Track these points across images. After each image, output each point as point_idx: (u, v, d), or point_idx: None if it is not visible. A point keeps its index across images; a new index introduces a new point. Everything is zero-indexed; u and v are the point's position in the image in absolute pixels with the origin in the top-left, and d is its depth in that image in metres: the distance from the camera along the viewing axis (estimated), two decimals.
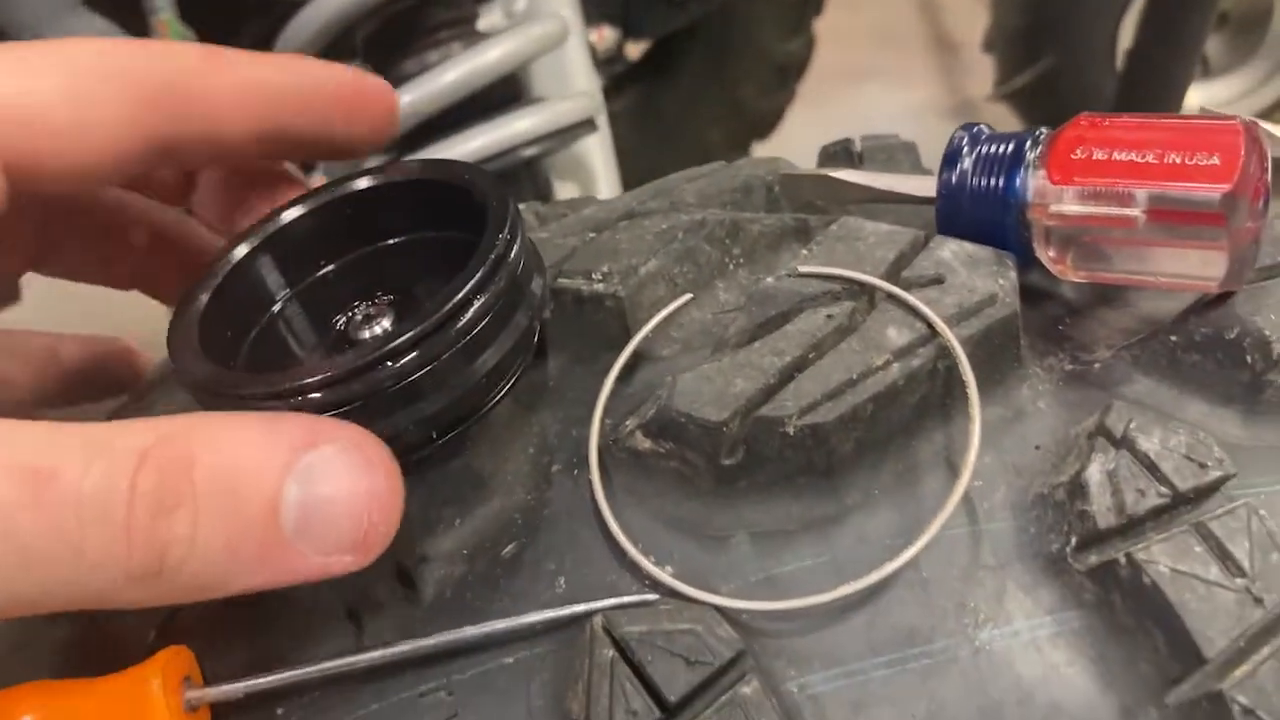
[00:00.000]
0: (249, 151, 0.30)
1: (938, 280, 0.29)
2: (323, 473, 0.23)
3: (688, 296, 0.31)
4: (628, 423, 0.28)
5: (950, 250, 0.30)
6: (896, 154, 0.40)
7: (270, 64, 0.30)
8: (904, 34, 2.41)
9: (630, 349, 0.29)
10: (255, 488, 0.22)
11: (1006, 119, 1.96)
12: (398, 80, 0.55)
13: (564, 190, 0.70)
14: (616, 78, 1.31)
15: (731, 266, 0.33)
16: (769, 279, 0.30)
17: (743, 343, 0.28)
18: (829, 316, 0.28)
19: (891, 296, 0.29)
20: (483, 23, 0.61)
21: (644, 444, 0.27)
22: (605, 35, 1.05)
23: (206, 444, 0.22)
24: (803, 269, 0.29)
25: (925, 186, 0.32)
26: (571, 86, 0.67)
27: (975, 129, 0.32)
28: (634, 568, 0.26)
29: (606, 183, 0.71)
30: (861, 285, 0.29)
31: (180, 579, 0.22)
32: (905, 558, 0.25)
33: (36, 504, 0.20)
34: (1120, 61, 1.74)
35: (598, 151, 0.69)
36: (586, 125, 0.59)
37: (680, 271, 0.31)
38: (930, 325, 0.28)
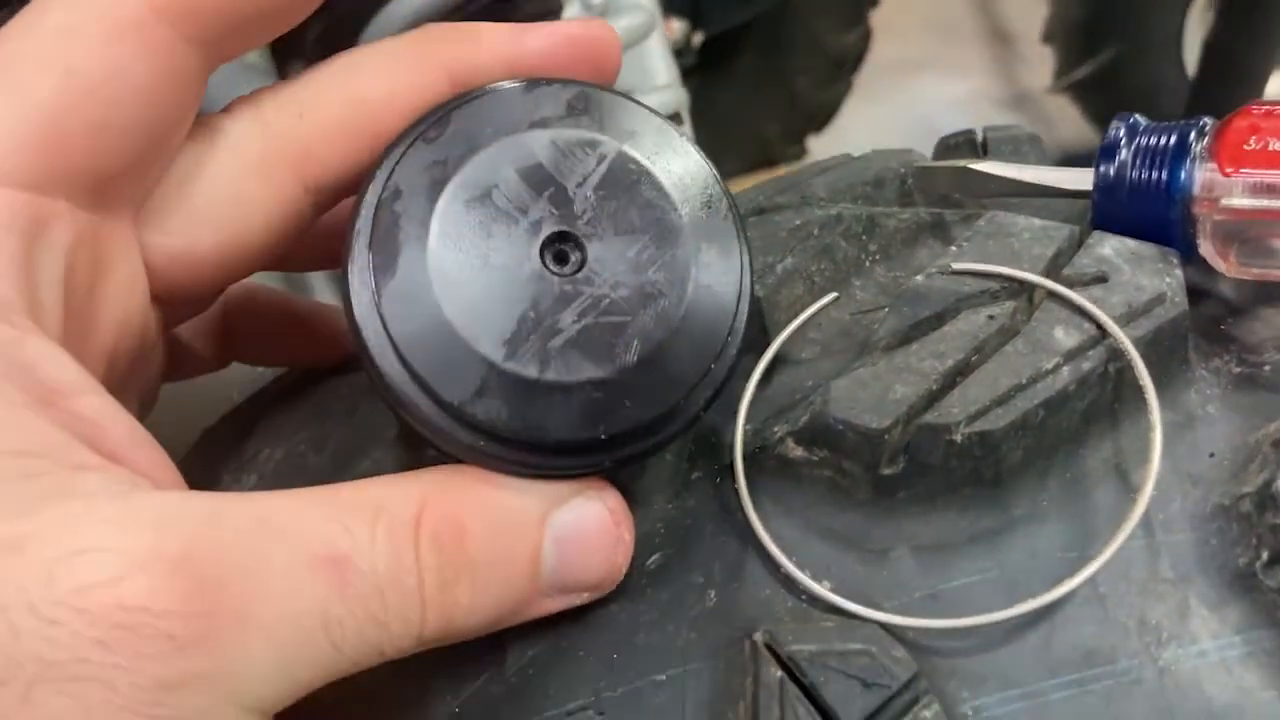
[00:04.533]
0: None
1: (1101, 278, 0.27)
2: (575, 525, 0.24)
3: (832, 296, 0.29)
4: (776, 429, 0.26)
5: (1111, 247, 0.28)
6: (1022, 145, 0.38)
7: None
8: (958, 25, 2.38)
9: (772, 351, 0.28)
10: (520, 549, 0.23)
11: (1066, 111, 1.93)
12: None
13: None
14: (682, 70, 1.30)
15: (868, 263, 0.31)
16: (918, 277, 0.28)
17: (894, 345, 0.27)
18: (990, 317, 0.27)
19: (1054, 295, 0.27)
20: (564, 16, 0.60)
21: (795, 452, 0.26)
22: (674, 28, 1.04)
23: (473, 511, 0.23)
24: (956, 266, 0.28)
25: (1076, 179, 0.31)
26: (654, 80, 0.65)
27: (1131, 120, 0.30)
28: (789, 582, 0.25)
29: None
30: (1021, 284, 0.27)
31: (455, 635, 0.23)
32: (1086, 574, 0.24)
33: (343, 593, 0.21)
34: (1186, 52, 1.71)
35: None
36: (673, 119, 0.57)
37: (818, 269, 0.30)
38: (1100, 326, 0.26)
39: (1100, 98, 1.79)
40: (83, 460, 0.21)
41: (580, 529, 0.24)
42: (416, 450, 0.29)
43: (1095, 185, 0.30)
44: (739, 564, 0.26)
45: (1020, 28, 2.33)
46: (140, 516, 0.20)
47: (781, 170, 1.86)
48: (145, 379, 0.28)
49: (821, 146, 1.84)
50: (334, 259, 0.31)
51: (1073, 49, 1.78)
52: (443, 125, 0.25)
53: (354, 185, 0.27)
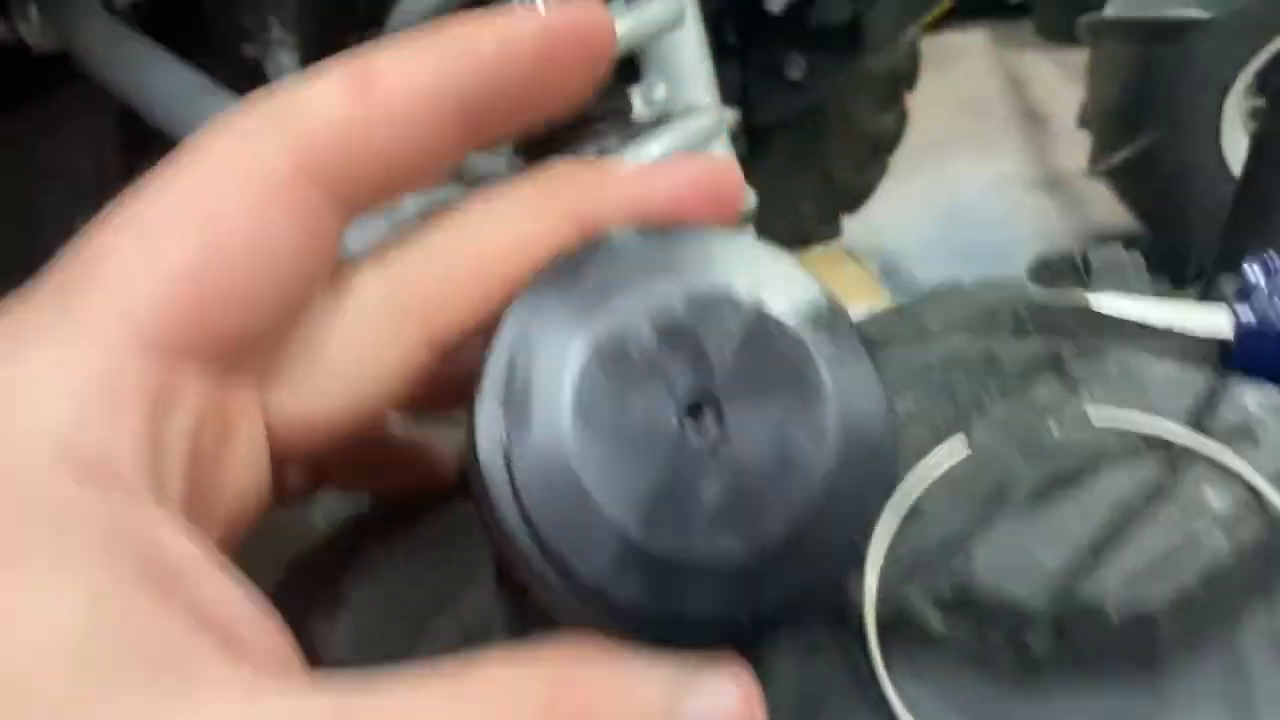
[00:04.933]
0: None
1: (1248, 435, 0.26)
2: (707, 709, 0.22)
3: (964, 450, 0.28)
4: (912, 595, 0.25)
5: (1254, 399, 0.27)
6: (1126, 271, 0.37)
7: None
8: (991, 106, 2.40)
9: (904, 507, 0.27)
10: None
11: (1100, 193, 1.93)
12: None
13: None
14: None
15: (987, 403, 0.30)
16: (1052, 428, 0.27)
17: (1030, 501, 0.26)
18: (1135, 476, 0.25)
19: (1199, 454, 0.26)
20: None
21: (935, 621, 0.25)
22: (726, 118, 1.04)
23: (603, 702, 0.21)
24: (1093, 418, 0.27)
25: (1207, 319, 0.30)
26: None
27: (1268, 258, 0.29)
28: None
29: None
30: (1163, 440, 0.26)
31: None
32: None
33: None
34: (1224, 136, 1.71)
35: None
36: (742, 219, 0.57)
37: (939, 411, 0.29)
38: (1253, 490, 0.25)
39: (1137, 183, 1.79)
40: (203, 655, 0.20)
41: (713, 707, 0.22)
42: (520, 597, 0.28)
43: (1236, 331, 0.28)
44: None
45: (1053, 110, 2.34)
46: None
47: (818, 250, 1.86)
48: (250, 527, 0.27)
49: (855, 226, 1.84)
50: (445, 403, 0.31)
51: (1109, 133, 1.79)
52: (577, 275, 0.23)
53: (475, 335, 0.26)
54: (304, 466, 0.31)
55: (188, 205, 0.22)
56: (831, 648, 0.26)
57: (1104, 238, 2.00)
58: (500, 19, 0.24)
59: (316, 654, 0.29)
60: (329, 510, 0.36)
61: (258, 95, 0.23)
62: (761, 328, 0.24)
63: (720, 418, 0.23)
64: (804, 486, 0.22)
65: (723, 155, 0.26)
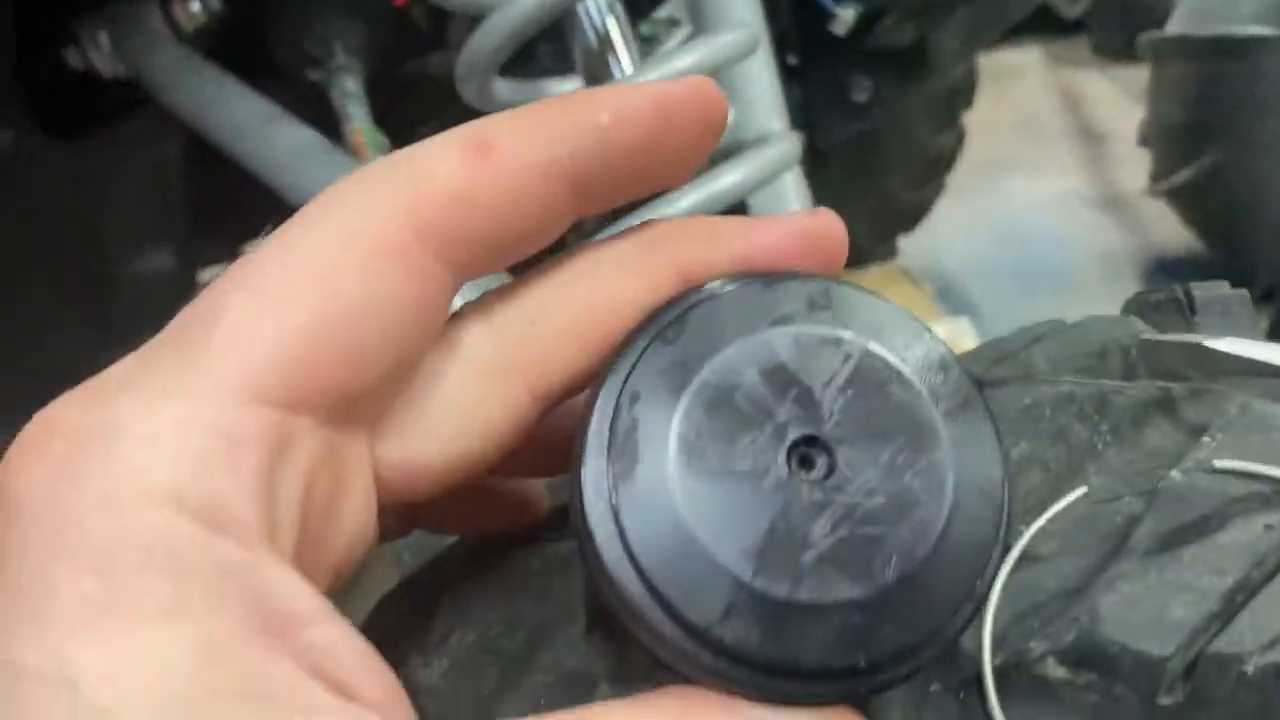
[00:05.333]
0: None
1: None
2: None
3: (1081, 491, 0.27)
4: (1032, 645, 0.24)
5: None
6: (1232, 307, 0.36)
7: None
8: (1048, 125, 2.37)
9: (1017, 551, 0.26)
10: None
11: (1160, 213, 1.90)
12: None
13: None
14: None
15: (1100, 446, 0.29)
16: (1174, 474, 0.26)
17: (1154, 549, 0.25)
18: (1268, 526, 0.24)
19: None
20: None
21: (1056, 672, 0.24)
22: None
23: None
24: (1219, 464, 0.26)
25: None
26: (786, 206, 0.64)
27: None
28: None
29: None
30: None
31: None
32: None
33: None
34: None
35: None
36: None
37: (1053, 455, 0.28)
38: None
39: (1200, 203, 1.76)
40: (316, 702, 0.20)
41: None
42: (624, 647, 0.27)
43: None
44: None
45: (1110, 128, 2.31)
46: None
47: (874, 269, 1.84)
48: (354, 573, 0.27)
49: (911, 246, 1.83)
50: (550, 468, 0.30)
51: (1171, 152, 1.76)
52: (680, 325, 0.23)
53: (580, 386, 0.25)
54: (396, 516, 0.31)
55: (307, 267, 0.22)
56: (946, 698, 0.25)
57: (1164, 259, 1.97)
58: (616, 90, 0.25)
59: (410, 691, 0.29)
60: (414, 544, 0.36)
61: (378, 161, 0.24)
62: (870, 372, 0.23)
63: (831, 461, 0.22)
64: (918, 532, 0.22)
65: (826, 212, 0.25)
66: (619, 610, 0.22)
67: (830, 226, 0.26)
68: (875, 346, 0.23)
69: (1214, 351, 0.30)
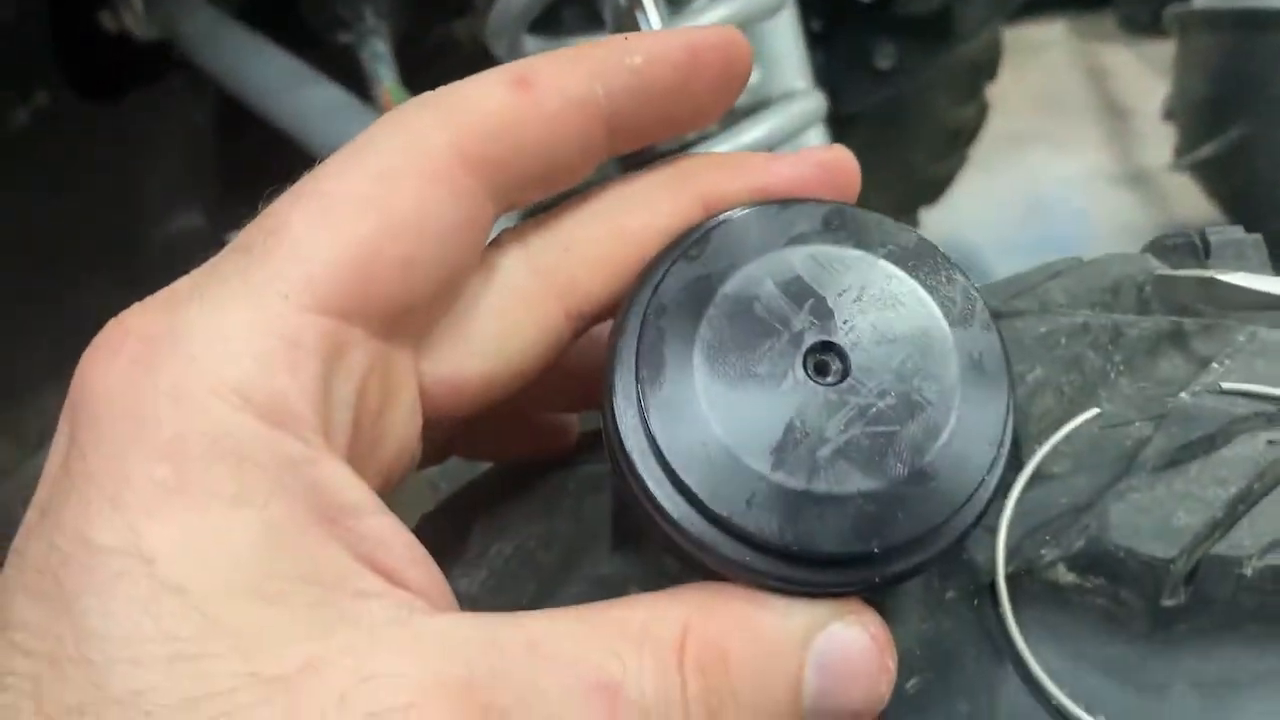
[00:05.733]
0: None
1: None
2: (838, 653, 0.23)
3: (1094, 412, 0.28)
4: (1043, 552, 0.26)
5: None
6: (1246, 250, 0.37)
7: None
8: (1071, 99, 2.36)
9: (1032, 467, 0.27)
10: (782, 674, 0.23)
11: (1185, 188, 1.89)
12: None
13: None
14: None
15: (1113, 375, 0.30)
16: (1184, 395, 0.27)
17: (1162, 466, 0.26)
18: (1270, 442, 0.26)
19: None
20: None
21: (1066, 577, 0.25)
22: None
23: (735, 635, 0.22)
24: (1226, 386, 0.27)
25: None
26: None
27: None
28: (1061, 715, 0.24)
29: None
30: None
31: None
32: None
33: (615, 718, 0.21)
34: None
35: None
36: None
37: (1068, 380, 0.29)
38: None
39: (1225, 177, 1.75)
40: (367, 586, 0.21)
41: (844, 655, 0.23)
42: (656, 554, 0.29)
43: None
44: (1007, 693, 0.25)
45: (1133, 103, 2.30)
46: (425, 643, 0.20)
47: None
48: (400, 486, 0.29)
49: (934, 218, 1.83)
50: (586, 399, 0.32)
51: (1196, 127, 1.75)
52: (703, 244, 0.25)
53: (611, 310, 0.27)
54: (437, 434, 0.32)
55: (363, 186, 0.24)
56: (963, 603, 0.26)
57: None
58: (649, 35, 0.26)
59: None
60: (449, 472, 0.37)
61: (427, 94, 0.25)
62: (882, 284, 0.25)
63: (845, 366, 0.24)
64: (927, 430, 0.23)
65: (840, 147, 0.27)
66: (647, 506, 0.23)
67: (843, 159, 0.28)
68: (886, 261, 0.25)
69: (1225, 284, 0.31)
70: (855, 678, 0.23)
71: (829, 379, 0.24)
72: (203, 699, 0.19)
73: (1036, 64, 2.43)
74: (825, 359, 0.24)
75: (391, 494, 0.29)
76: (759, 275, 0.25)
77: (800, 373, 0.24)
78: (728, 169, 0.28)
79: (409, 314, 0.25)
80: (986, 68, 1.67)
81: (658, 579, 0.28)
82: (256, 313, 0.22)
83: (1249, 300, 0.31)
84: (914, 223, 1.82)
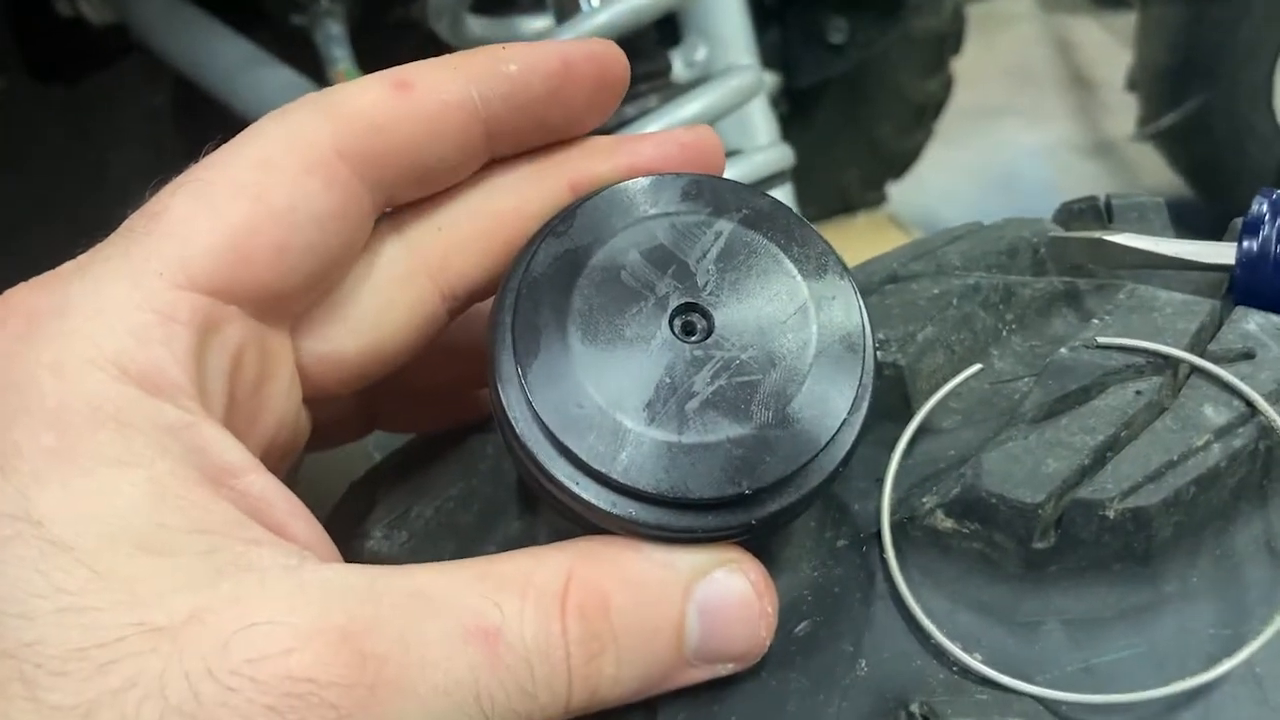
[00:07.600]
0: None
1: (1248, 355, 0.28)
2: (718, 597, 0.24)
3: (977, 368, 0.30)
4: (924, 500, 0.27)
5: (1256, 322, 0.28)
6: (1148, 213, 0.38)
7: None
8: (1038, 72, 2.37)
9: (917, 422, 0.29)
10: (664, 620, 0.24)
11: (1149, 159, 1.91)
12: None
13: None
14: None
15: (1005, 333, 0.32)
16: (1062, 350, 0.28)
17: (1040, 417, 0.27)
18: (1138, 393, 0.27)
19: (1202, 372, 0.27)
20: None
21: (945, 523, 0.26)
22: (767, 81, 1.05)
23: (616, 581, 0.24)
24: (1101, 340, 0.28)
25: (1215, 253, 0.31)
26: (755, 138, 0.66)
27: (1275, 195, 0.30)
28: (939, 653, 0.25)
29: None
30: (1167, 359, 0.28)
31: (601, 704, 0.24)
32: (1245, 654, 0.24)
33: (494, 665, 0.22)
34: (1277, 99, 1.68)
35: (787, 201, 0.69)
36: (782, 177, 0.58)
37: (957, 339, 0.31)
38: (1249, 404, 0.26)
39: (1186, 146, 1.77)
40: (254, 535, 0.23)
41: (723, 600, 0.25)
42: (547, 515, 0.30)
43: (1238, 260, 0.30)
44: (889, 634, 0.26)
45: (1101, 75, 2.31)
46: (307, 591, 0.22)
47: (861, 217, 1.85)
48: (291, 463, 0.30)
49: (901, 193, 1.84)
50: (474, 379, 0.33)
51: (1158, 97, 1.76)
52: (570, 220, 0.27)
53: (486, 291, 0.29)
54: (356, 410, 0.34)
55: (242, 175, 0.25)
56: (852, 551, 0.28)
57: None
58: (524, 45, 0.28)
59: (372, 560, 0.31)
60: (381, 442, 0.38)
61: (311, 94, 0.27)
62: (739, 246, 0.27)
63: (709, 324, 0.26)
64: (788, 376, 0.25)
65: (704, 127, 0.29)
66: (533, 470, 0.25)
67: (705, 138, 0.30)
68: (742, 225, 0.27)
69: (1112, 244, 0.32)
70: (736, 623, 0.25)
71: (694, 337, 0.25)
72: (91, 649, 0.20)
73: (1005, 37, 2.44)
74: (690, 319, 0.26)
75: (289, 468, 0.30)
76: (624, 246, 0.26)
77: (667, 333, 0.25)
78: (595, 153, 0.29)
79: (284, 294, 0.26)
80: (951, 41, 1.68)
81: (556, 540, 0.29)
82: (133, 289, 0.24)
83: (1136, 259, 0.32)
84: (881, 197, 1.84)
